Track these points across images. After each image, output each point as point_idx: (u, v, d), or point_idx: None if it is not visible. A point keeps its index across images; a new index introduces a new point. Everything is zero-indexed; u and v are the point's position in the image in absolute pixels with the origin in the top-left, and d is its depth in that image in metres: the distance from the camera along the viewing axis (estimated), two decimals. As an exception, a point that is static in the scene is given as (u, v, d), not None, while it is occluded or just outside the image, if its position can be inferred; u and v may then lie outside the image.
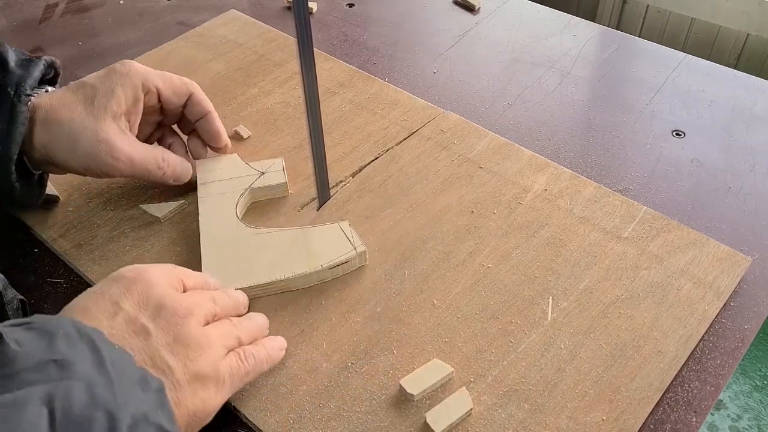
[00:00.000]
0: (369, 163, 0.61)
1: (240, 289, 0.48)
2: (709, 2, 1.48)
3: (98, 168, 0.52)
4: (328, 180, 0.57)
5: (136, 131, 0.54)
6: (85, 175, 0.53)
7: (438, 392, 0.44)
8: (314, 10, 0.85)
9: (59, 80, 0.58)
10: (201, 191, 0.56)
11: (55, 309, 0.51)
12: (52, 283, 0.53)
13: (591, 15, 1.74)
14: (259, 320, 0.46)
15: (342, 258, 0.50)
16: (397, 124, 0.65)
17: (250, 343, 0.44)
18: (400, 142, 0.63)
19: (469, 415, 0.43)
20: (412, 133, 0.64)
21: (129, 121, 0.53)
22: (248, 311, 0.48)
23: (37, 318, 0.34)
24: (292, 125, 0.66)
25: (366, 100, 0.68)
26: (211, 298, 0.44)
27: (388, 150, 0.62)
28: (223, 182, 0.57)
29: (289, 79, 0.71)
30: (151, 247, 0.54)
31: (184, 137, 0.61)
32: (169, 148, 0.59)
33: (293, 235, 0.52)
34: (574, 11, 1.67)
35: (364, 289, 0.50)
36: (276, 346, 0.45)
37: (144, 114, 0.55)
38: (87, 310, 0.38)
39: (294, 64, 0.73)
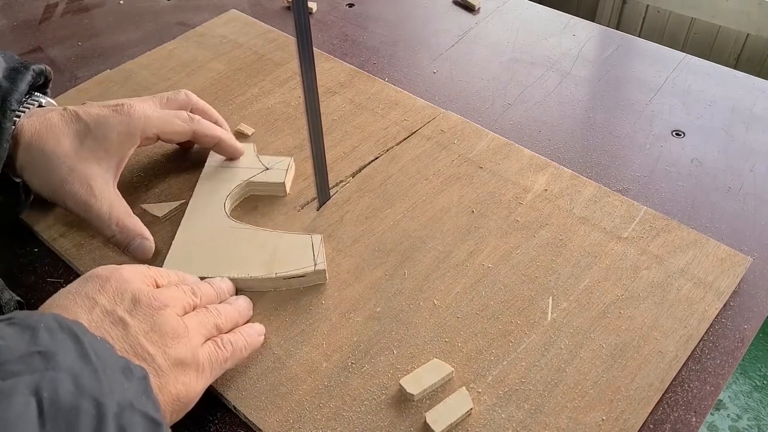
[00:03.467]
0: (369, 163, 0.61)
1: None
2: (709, 2, 1.48)
3: (60, 201, 0.52)
4: (328, 180, 0.57)
5: (120, 170, 0.54)
6: (48, 200, 0.53)
7: (438, 392, 0.44)
8: (314, 10, 0.85)
9: (50, 85, 0.58)
10: (204, 172, 0.57)
11: (55, 309, 0.51)
12: (52, 283, 0.53)
13: (591, 15, 1.74)
14: (241, 304, 0.47)
15: (298, 271, 0.50)
16: (397, 124, 0.65)
17: (230, 330, 0.45)
18: (400, 142, 0.63)
19: (469, 415, 0.43)
20: (412, 133, 0.64)
21: (117, 166, 0.53)
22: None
23: (18, 314, 0.34)
24: (292, 125, 0.66)
25: (366, 100, 0.68)
26: (190, 290, 0.44)
27: (388, 150, 0.62)
28: (228, 169, 0.58)
29: (289, 79, 0.71)
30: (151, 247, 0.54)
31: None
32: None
33: (265, 237, 0.52)
34: (574, 11, 1.67)
35: (364, 289, 0.50)
36: (254, 332, 0.46)
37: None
38: (65, 307, 0.38)
39: (294, 64, 0.73)
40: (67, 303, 0.39)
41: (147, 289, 0.41)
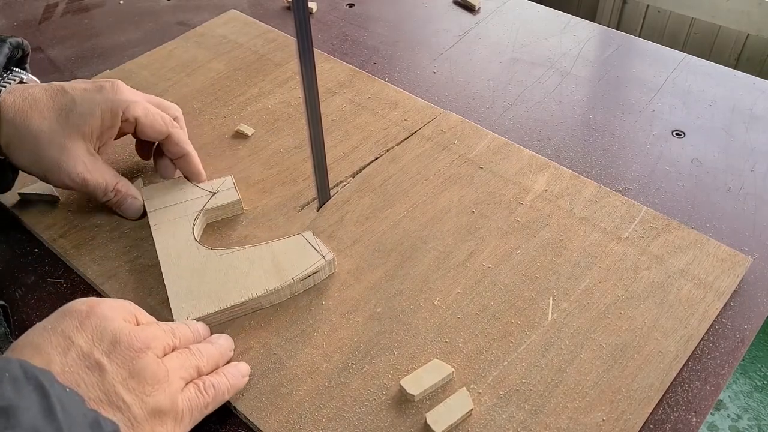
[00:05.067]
0: (369, 163, 0.61)
1: (212, 313, 0.47)
2: (709, 2, 1.48)
3: (54, 180, 0.53)
4: (328, 180, 0.57)
5: (106, 149, 0.55)
6: (39, 178, 0.54)
7: (438, 393, 0.44)
8: (314, 10, 0.85)
9: (28, 60, 0.58)
10: (152, 219, 0.54)
11: (55, 309, 0.51)
12: (52, 283, 0.53)
13: (591, 15, 1.74)
14: (221, 343, 0.45)
15: (312, 268, 0.50)
16: (397, 124, 0.65)
17: (212, 371, 0.42)
18: (401, 142, 0.63)
19: (470, 415, 0.43)
20: (413, 133, 0.64)
21: (100, 141, 0.54)
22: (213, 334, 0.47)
23: None
24: (292, 125, 0.66)
25: (366, 100, 0.68)
26: (170, 329, 0.42)
27: (388, 150, 0.62)
28: (175, 207, 0.55)
29: (289, 79, 0.71)
30: (151, 248, 0.54)
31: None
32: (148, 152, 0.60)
33: (258, 252, 0.51)
34: (574, 11, 1.67)
35: (364, 290, 0.50)
36: (238, 373, 0.43)
37: (120, 133, 0.55)
38: (38, 347, 0.36)
39: (294, 64, 0.73)
40: (42, 342, 0.36)
41: (128, 328, 0.39)
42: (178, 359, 0.40)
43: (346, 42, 0.79)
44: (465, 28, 0.80)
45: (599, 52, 0.76)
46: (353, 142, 0.63)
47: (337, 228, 0.55)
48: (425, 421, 0.42)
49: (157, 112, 0.55)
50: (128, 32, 0.82)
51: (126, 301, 0.42)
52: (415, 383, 0.43)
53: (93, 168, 0.53)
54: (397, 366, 0.46)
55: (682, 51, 0.74)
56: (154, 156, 0.60)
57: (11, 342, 0.46)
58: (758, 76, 0.71)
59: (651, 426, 0.43)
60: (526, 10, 0.83)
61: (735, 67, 0.82)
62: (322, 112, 0.51)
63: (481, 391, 0.44)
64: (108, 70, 0.73)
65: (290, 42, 0.77)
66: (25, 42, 0.56)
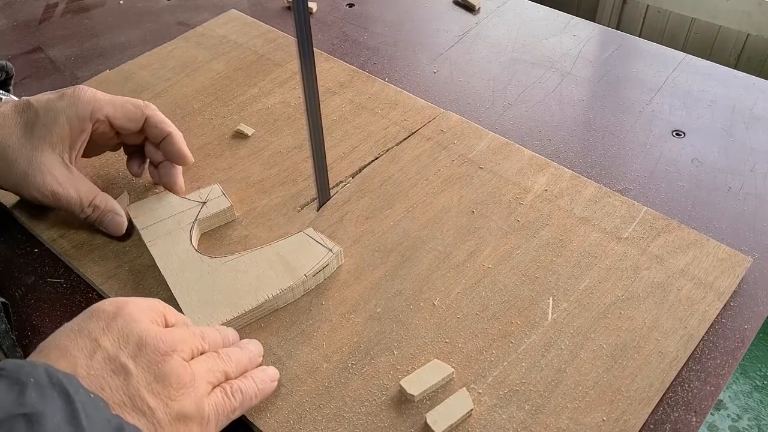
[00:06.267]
0: (369, 163, 0.61)
1: (230, 320, 0.47)
2: (709, 2, 1.48)
3: (25, 195, 0.52)
4: (328, 180, 0.57)
5: (80, 156, 0.54)
6: (14, 193, 0.53)
7: (438, 393, 0.44)
8: (314, 10, 0.85)
9: (12, 82, 0.57)
10: (146, 236, 0.53)
11: (55, 309, 0.51)
12: (52, 283, 0.53)
13: (591, 15, 1.74)
14: (251, 349, 0.44)
15: (322, 262, 0.50)
16: (397, 124, 0.65)
17: (240, 376, 0.42)
18: (400, 142, 0.63)
19: (470, 415, 0.43)
20: (412, 133, 0.64)
21: (71, 149, 0.52)
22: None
23: (8, 364, 0.32)
24: (292, 125, 0.66)
25: (366, 100, 0.68)
26: (199, 333, 0.41)
27: (388, 150, 0.62)
28: (166, 221, 0.54)
29: (289, 79, 0.71)
30: (151, 248, 0.54)
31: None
32: (139, 167, 0.58)
33: (263, 254, 0.51)
34: (574, 11, 1.67)
35: (364, 290, 0.50)
36: (266, 377, 0.43)
37: (100, 138, 0.54)
38: (64, 349, 0.36)
39: (294, 64, 0.73)
40: (68, 343, 0.36)
41: (155, 330, 0.38)
42: (206, 363, 0.40)
43: (346, 42, 0.79)
44: (465, 28, 0.80)
45: (599, 52, 0.76)
46: (353, 142, 0.63)
47: (337, 228, 0.55)
48: (425, 422, 0.42)
49: (126, 101, 0.54)
50: (128, 32, 0.82)
51: (155, 299, 0.41)
52: (415, 383, 0.43)
53: (65, 181, 0.51)
54: (397, 366, 0.45)
55: (682, 51, 0.74)
56: (149, 167, 0.58)
57: (12, 339, 0.46)
58: (758, 76, 0.71)
59: (651, 426, 0.43)
60: (526, 10, 0.83)
61: (735, 67, 0.82)
62: (322, 112, 0.51)
63: (481, 391, 0.44)
64: (108, 70, 0.73)
65: (290, 42, 0.77)
66: (9, 65, 0.55)
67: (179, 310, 0.47)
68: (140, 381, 0.36)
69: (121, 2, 0.88)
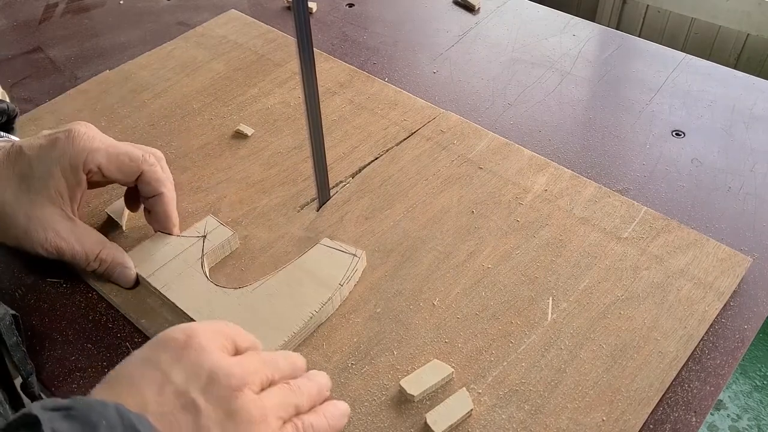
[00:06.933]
0: (369, 163, 0.61)
1: (281, 345, 0.46)
2: (709, 2, 1.48)
3: (29, 250, 0.49)
4: (328, 180, 0.57)
5: (82, 205, 0.51)
6: (16, 248, 0.50)
7: (438, 393, 0.44)
8: (314, 10, 0.85)
9: (16, 122, 0.55)
10: (156, 282, 0.50)
11: (55, 309, 0.51)
12: (52, 283, 0.53)
13: (591, 15, 1.74)
14: (319, 381, 0.41)
15: (350, 268, 0.50)
16: (397, 124, 0.65)
17: (310, 410, 0.39)
18: (400, 142, 0.63)
19: (470, 415, 0.43)
20: (412, 133, 0.64)
21: (72, 201, 0.50)
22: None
23: (78, 403, 0.31)
24: (292, 125, 0.66)
25: (366, 100, 0.68)
26: (270, 361, 0.39)
27: (388, 150, 0.62)
28: (171, 262, 0.51)
29: (289, 79, 0.71)
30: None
31: None
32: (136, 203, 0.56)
33: (288, 274, 0.50)
34: (574, 11, 1.66)
35: (364, 290, 0.50)
36: (339, 413, 0.40)
37: (95, 184, 0.52)
38: (133, 382, 0.35)
39: (294, 64, 0.73)
40: (137, 376, 0.35)
41: (226, 362, 0.36)
42: (277, 396, 0.38)
43: (346, 42, 0.79)
44: (465, 28, 0.80)
45: (599, 52, 0.76)
46: (353, 142, 0.63)
47: (337, 228, 0.55)
48: (425, 422, 0.42)
49: (124, 152, 0.50)
50: (128, 32, 0.82)
51: (222, 322, 0.39)
52: (415, 383, 0.43)
53: (68, 235, 0.49)
54: (397, 366, 0.46)
55: (682, 51, 0.74)
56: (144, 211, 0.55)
57: (23, 351, 0.46)
58: (758, 76, 0.71)
59: (651, 426, 0.43)
60: (526, 10, 0.83)
61: (735, 67, 0.82)
62: (322, 112, 0.51)
63: (481, 391, 0.44)
64: (108, 70, 0.73)
65: (290, 42, 0.77)
66: (11, 106, 0.53)
67: (168, 298, 0.47)
68: (210, 418, 0.35)
69: (121, 2, 0.88)
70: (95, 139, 0.50)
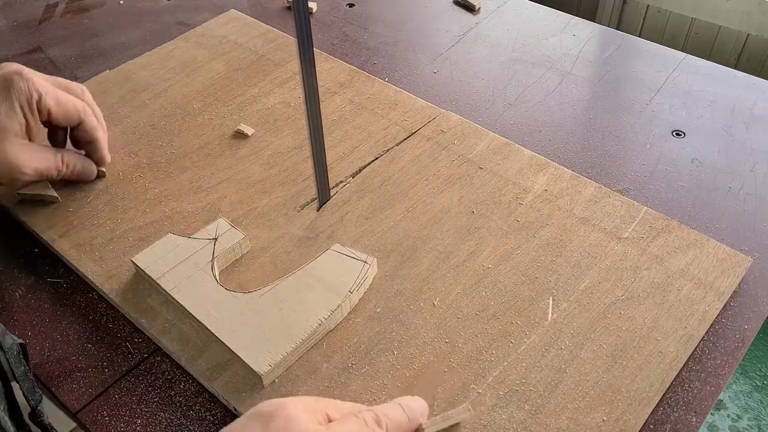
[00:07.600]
0: (369, 163, 0.61)
1: (290, 352, 0.45)
2: (709, 2, 1.48)
3: (7, 181, 0.55)
4: (328, 180, 0.57)
5: (37, 135, 0.56)
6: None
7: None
8: (314, 10, 0.85)
9: None
10: (166, 284, 0.50)
11: (55, 309, 0.51)
12: (52, 283, 0.53)
13: (591, 15, 1.74)
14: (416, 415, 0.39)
15: (362, 275, 0.49)
16: (397, 124, 0.65)
17: None
18: (400, 142, 0.63)
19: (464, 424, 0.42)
20: (412, 134, 0.64)
21: (30, 130, 0.55)
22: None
23: None
24: (292, 125, 0.66)
25: (366, 100, 0.68)
26: (373, 418, 0.37)
27: (388, 150, 0.62)
28: (182, 265, 0.51)
29: (289, 79, 0.71)
30: (151, 248, 0.54)
31: None
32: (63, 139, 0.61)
33: (297, 280, 0.50)
34: (574, 11, 1.67)
35: (363, 290, 0.50)
36: None
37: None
38: None
39: (294, 64, 0.73)
40: None
41: (316, 428, 0.35)
42: None
43: (346, 42, 0.79)
44: (465, 28, 0.80)
45: (599, 52, 0.76)
46: (353, 142, 0.63)
47: (337, 228, 0.55)
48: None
49: (68, 100, 0.56)
50: (128, 32, 0.82)
51: (313, 398, 0.38)
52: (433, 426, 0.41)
53: (37, 155, 0.55)
54: (397, 366, 0.45)
55: (682, 51, 0.74)
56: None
57: (31, 380, 0.45)
58: (758, 76, 0.71)
59: (651, 426, 0.43)
60: (526, 10, 0.83)
61: (735, 67, 0.82)
62: (322, 112, 0.51)
63: (481, 391, 0.44)
64: (108, 70, 0.73)
65: (290, 42, 0.77)
66: None
67: (228, 353, 0.46)
68: None
69: (121, 2, 0.88)
70: (40, 84, 0.55)
